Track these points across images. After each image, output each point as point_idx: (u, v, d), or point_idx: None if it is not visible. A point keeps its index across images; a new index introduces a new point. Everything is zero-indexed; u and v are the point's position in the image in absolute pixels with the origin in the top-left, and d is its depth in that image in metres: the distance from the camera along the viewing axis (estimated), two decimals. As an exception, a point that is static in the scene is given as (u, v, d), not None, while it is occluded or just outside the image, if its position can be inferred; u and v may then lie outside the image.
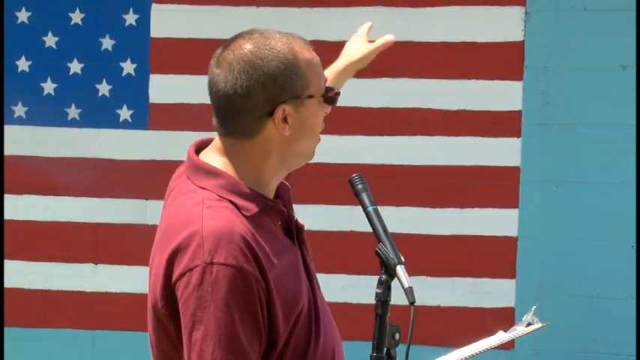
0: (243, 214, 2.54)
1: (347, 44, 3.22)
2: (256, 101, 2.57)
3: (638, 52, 5.27)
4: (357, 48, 3.19)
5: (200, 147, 2.65)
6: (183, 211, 2.56)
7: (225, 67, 2.57)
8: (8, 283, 5.63)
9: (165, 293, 2.53)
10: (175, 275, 2.51)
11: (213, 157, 2.61)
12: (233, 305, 2.49)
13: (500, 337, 2.94)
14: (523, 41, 5.39)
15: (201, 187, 2.58)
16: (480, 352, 2.89)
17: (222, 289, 2.49)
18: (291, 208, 2.70)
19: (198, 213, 2.53)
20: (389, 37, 3.17)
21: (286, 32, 2.64)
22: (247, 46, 2.57)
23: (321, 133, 2.66)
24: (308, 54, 2.60)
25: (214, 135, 2.66)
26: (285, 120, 2.57)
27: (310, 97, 2.58)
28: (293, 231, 2.66)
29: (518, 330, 2.95)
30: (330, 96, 2.61)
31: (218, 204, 2.55)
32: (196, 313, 2.50)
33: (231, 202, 2.56)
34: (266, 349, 2.56)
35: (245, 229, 2.52)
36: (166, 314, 2.54)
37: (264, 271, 2.51)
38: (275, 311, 2.54)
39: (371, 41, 3.20)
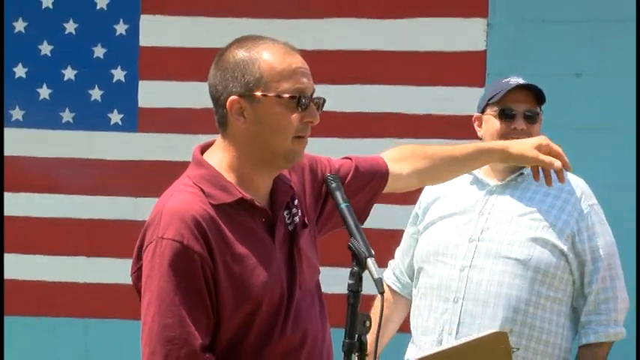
0: (209, 202, 2.59)
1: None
2: (217, 91, 2.64)
3: (591, 61, 5.31)
4: (523, 145, 3.03)
5: (206, 147, 2.71)
6: (164, 194, 2.64)
7: (213, 64, 2.68)
8: (8, 275, 5.63)
9: (137, 261, 2.62)
10: (143, 248, 2.59)
11: (212, 151, 2.68)
12: (174, 276, 2.52)
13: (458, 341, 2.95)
14: (485, 50, 5.41)
15: (187, 176, 2.65)
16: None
17: (167, 261, 2.53)
18: (281, 210, 2.69)
19: (169, 195, 2.61)
20: (557, 164, 2.95)
21: (277, 40, 2.68)
22: (232, 46, 2.66)
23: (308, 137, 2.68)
24: (280, 59, 2.62)
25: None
26: (241, 113, 2.61)
27: (264, 95, 2.59)
28: (275, 231, 2.66)
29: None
30: (285, 98, 2.60)
31: (187, 189, 2.61)
32: (147, 281, 2.56)
33: (202, 189, 2.60)
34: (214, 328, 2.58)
35: (203, 213, 2.56)
36: (134, 281, 2.64)
37: (213, 252, 2.54)
38: (220, 291, 2.56)
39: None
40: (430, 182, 3.25)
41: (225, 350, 2.58)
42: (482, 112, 3.88)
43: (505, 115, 3.80)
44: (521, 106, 3.82)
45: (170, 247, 2.53)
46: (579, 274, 3.80)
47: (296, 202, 2.74)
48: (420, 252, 3.85)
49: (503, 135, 3.74)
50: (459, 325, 3.69)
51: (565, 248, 3.75)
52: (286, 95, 2.61)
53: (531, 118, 3.82)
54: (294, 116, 2.62)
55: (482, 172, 3.81)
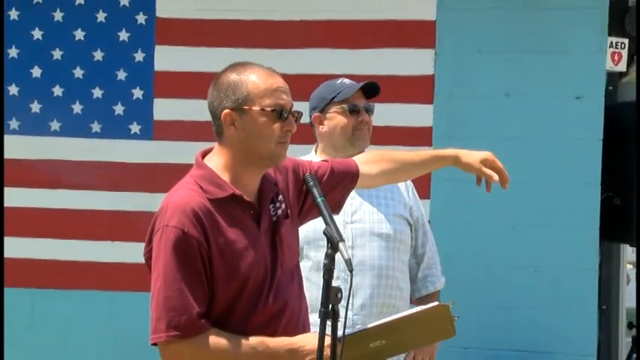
0: (207, 197, 2.59)
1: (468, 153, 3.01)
2: (214, 107, 2.66)
3: (518, 84, 5.34)
4: (471, 157, 2.99)
5: (207, 152, 2.72)
6: (171, 190, 2.66)
7: (211, 85, 2.70)
8: (47, 256, 5.61)
9: (148, 244, 2.63)
10: (153, 233, 2.60)
11: (211, 156, 2.69)
12: (176, 257, 2.53)
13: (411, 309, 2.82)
14: (433, 75, 5.42)
15: (190, 176, 2.67)
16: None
17: (170, 244, 2.54)
18: (267, 205, 2.69)
19: (174, 191, 2.63)
20: (495, 178, 2.94)
21: (262, 65, 2.69)
22: (226, 71, 2.67)
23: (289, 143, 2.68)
24: (263, 78, 2.63)
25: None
26: (233, 124, 2.62)
27: (251, 109, 2.60)
28: (261, 220, 2.66)
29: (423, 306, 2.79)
30: (267, 111, 2.61)
31: (189, 186, 2.63)
32: (155, 260, 2.57)
33: (200, 186, 2.61)
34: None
35: (200, 205, 2.56)
36: (146, 260, 2.64)
37: (209, 237, 2.55)
38: (214, 269, 2.57)
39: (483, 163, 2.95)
40: (394, 181, 3.25)
41: (218, 318, 2.59)
42: (322, 111, 3.67)
43: (353, 111, 3.64)
44: (361, 102, 3.68)
45: (174, 233, 2.54)
46: (415, 238, 3.79)
47: (280, 197, 2.74)
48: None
49: (353, 127, 3.62)
50: (351, 297, 3.41)
51: (410, 219, 3.75)
52: (269, 109, 2.62)
53: (370, 111, 3.70)
54: (276, 126, 2.63)
55: None
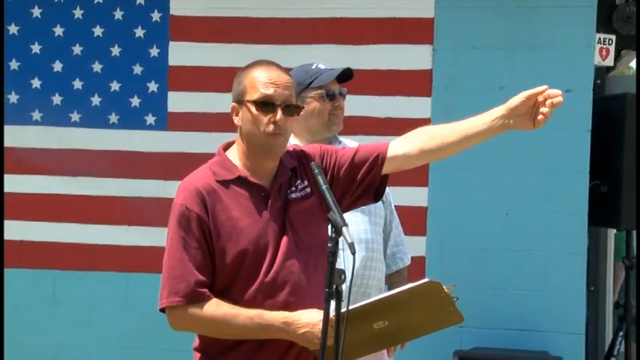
0: (215, 179, 2.65)
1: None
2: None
3: (511, 77, 5.32)
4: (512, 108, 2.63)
5: (230, 144, 2.77)
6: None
7: None
8: (67, 239, 5.62)
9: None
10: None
11: (232, 147, 2.75)
12: (180, 230, 2.61)
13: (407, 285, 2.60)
14: (431, 69, 5.40)
15: (208, 162, 2.73)
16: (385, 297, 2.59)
17: (176, 219, 2.62)
18: (278, 188, 2.69)
19: (189, 175, 2.70)
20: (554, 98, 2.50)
21: (266, 62, 2.70)
22: (242, 69, 2.74)
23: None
24: (259, 73, 2.66)
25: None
26: (237, 115, 2.69)
27: (245, 100, 2.66)
28: (269, 202, 2.67)
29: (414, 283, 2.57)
30: (255, 102, 2.63)
31: (202, 170, 2.71)
32: (167, 235, 2.65)
33: (211, 170, 2.68)
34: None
35: (205, 185, 2.63)
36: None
37: (210, 213, 2.61)
38: (214, 242, 2.61)
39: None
40: (437, 158, 2.76)
41: (220, 289, 2.63)
42: (298, 95, 3.30)
43: (330, 96, 3.46)
44: (336, 87, 3.50)
45: (178, 209, 2.63)
46: (384, 215, 3.69)
47: (298, 182, 2.72)
48: None
49: (329, 112, 3.45)
50: (347, 271, 3.42)
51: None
52: (255, 99, 2.65)
53: (343, 96, 3.51)
54: (265, 117, 2.65)
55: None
